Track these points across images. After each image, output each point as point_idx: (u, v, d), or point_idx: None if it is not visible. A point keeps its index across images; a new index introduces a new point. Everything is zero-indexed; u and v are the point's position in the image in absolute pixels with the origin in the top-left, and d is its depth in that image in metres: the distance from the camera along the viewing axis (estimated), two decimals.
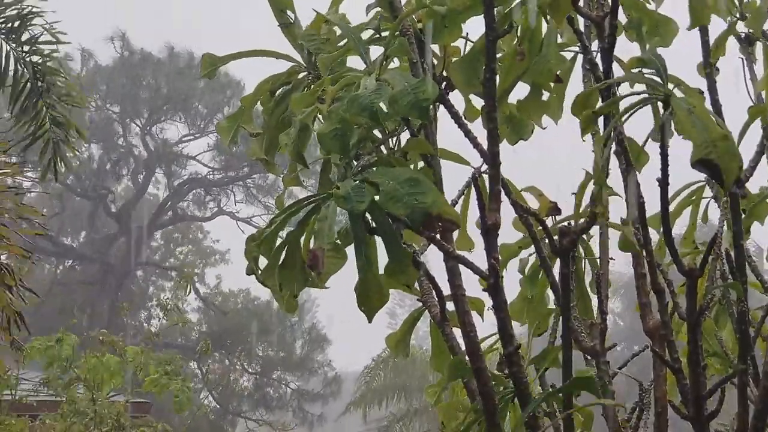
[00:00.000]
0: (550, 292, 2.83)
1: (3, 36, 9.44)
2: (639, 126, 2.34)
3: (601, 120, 2.39)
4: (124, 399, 11.77)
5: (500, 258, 2.79)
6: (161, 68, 37.70)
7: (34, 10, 9.46)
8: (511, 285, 2.91)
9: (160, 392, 11.08)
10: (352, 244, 2.15)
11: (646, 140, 2.33)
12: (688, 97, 2.10)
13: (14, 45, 9.47)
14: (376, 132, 2.38)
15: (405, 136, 2.47)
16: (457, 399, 2.87)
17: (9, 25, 9.39)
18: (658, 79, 2.14)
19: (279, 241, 2.21)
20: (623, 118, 2.21)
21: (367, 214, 2.12)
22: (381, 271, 2.19)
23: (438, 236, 2.20)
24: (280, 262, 2.19)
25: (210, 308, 39.13)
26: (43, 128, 9.44)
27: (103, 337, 11.15)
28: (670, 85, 2.13)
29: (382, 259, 2.18)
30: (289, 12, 2.74)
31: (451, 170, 2.52)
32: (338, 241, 2.13)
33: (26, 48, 9.49)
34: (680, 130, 2.05)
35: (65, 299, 35.04)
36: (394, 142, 2.46)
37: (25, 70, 9.40)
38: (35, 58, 9.50)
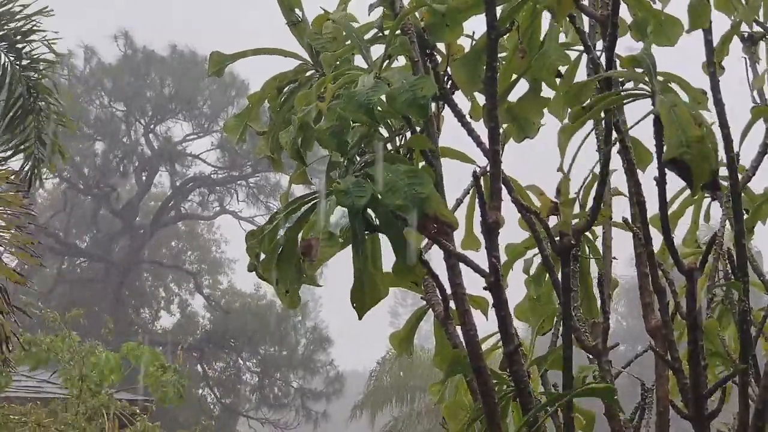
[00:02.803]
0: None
1: (4, 50, 9.49)
2: (642, 127, 2.35)
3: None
4: (123, 397, 11.79)
5: (506, 258, 2.81)
6: (165, 67, 37.71)
7: (35, 27, 9.50)
8: (519, 285, 2.93)
9: (154, 387, 11.09)
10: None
11: (626, 130, 2.35)
12: (687, 94, 2.11)
13: (13, 58, 9.51)
14: (383, 130, 2.39)
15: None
16: (460, 398, 2.87)
17: (11, 38, 9.42)
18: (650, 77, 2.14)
19: (279, 236, 2.22)
20: (612, 112, 2.22)
21: (370, 211, 2.13)
22: (386, 266, 2.20)
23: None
24: (277, 258, 2.20)
25: (214, 307, 39.14)
26: (28, 142, 9.50)
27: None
28: (673, 84, 2.13)
29: (387, 253, 2.19)
30: (297, 10, 2.74)
31: (459, 170, 2.52)
32: (341, 240, 2.14)
33: (24, 63, 9.53)
34: (665, 134, 2.05)
35: (69, 297, 35.10)
36: (399, 140, 2.47)
37: (20, 84, 9.44)
38: (31, 74, 9.55)
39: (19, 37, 9.46)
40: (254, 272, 2.28)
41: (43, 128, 9.59)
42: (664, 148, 2.01)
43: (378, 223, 2.15)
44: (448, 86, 2.56)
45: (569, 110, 2.21)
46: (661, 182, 2.21)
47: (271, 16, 2.77)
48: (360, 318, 2.19)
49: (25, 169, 9.63)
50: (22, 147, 9.57)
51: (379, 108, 2.18)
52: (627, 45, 2.46)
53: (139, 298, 38.84)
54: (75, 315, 11.04)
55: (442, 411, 2.91)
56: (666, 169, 2.04)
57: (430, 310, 2.72)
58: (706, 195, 3.12)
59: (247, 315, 37.89)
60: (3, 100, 9.56)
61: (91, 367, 10.51)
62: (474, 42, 2.49)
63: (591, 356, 2.65)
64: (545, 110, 2.58)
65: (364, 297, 2.17)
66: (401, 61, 2.56)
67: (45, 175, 10.18)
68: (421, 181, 2.06)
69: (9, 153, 9.65)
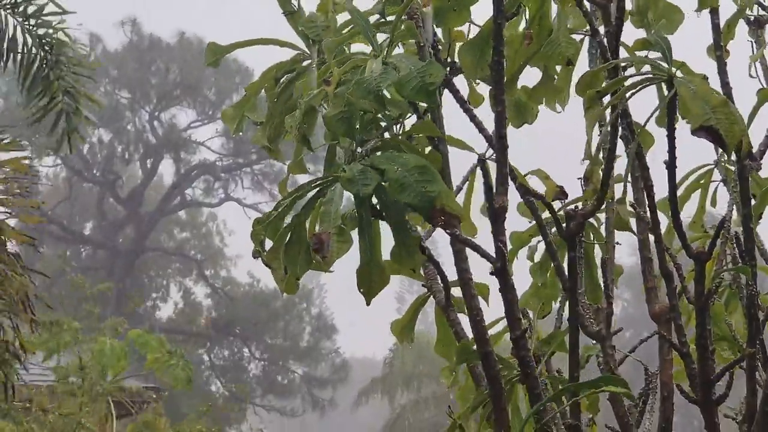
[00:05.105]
0: None
1: (9, 10, 9.37)
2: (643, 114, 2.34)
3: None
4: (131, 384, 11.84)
5: (511, 246, 2.81)
6: (171, 54, 37.69)
7: None
8: (524, 274, 2.93)
9: (160, 371, 11.13)
10: (357, 229, 2.16)
11: (646, 121, 2.34)
12: (691, 78, 2.10)
13: (21, 19, 9.40)
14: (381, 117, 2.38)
15: (409, 121, 2.47)
16: (470, 381, 2.88)
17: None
18: (663, 62, 2.14)
19: (285, 223, 2.21)
20: (627, 98, 2.22)
21: (374, 198, 2.13)
22: (385, 254, 2.19)
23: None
24: (285, 244, 2.20)
25: (219, 295, 39.18)
26: (56, 100, 9.32)
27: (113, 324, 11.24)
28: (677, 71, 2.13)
29: (387, 242, 2.19)
30: (292, 0, 2.74)
31: (453, 158, 2.52)
32: (343, 225, 2.13)
33: (32, 21, 9.40)
34: (683, 110, 2.05)
35: (74, 285, 35.20)
36: (399, 128, 2.46)
37: (33, 43, 9.32)
38: (41, 31, 9.43)
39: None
40: (260, 259, 2.27)
41: (67, 82, 9.42)
42: (690, 121, 2.01)
43: (380, 208, 2.15)
44: (449, 72, 2.56)
45: (585, 96, 2.20)
46: (671, 165, 2.20)
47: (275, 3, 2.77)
48: (368, 303, 2.20)
49: (60, 128, 9.42)
50: (51, 104, 9.38)
51: (387, 94, 2.18)
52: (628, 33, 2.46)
53: (144, 286, 38.91)
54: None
55: (456, 395, 2.92)
56: (698, 137, 2.04)
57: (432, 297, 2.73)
58: (713, 179, 3.11)
59: (252, 303, 37.90)
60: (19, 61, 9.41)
61: (95, 355, 10.53)
62: (475, 27, 2.49)
63: (595, 341, 2.65)
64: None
65: (371, 282, 2.17)
66: (400, 48, 2.56)
67: (85, 130, 9.98)
68: (431, 178, 2.05)
69: (39, 115, 9.43)
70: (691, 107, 2.02)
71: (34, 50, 9.37)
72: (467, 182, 2.75)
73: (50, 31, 9.44)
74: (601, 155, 2.36)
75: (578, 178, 2.55)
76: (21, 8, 9.35)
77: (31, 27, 9.43)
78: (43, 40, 9.39)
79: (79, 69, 9.59)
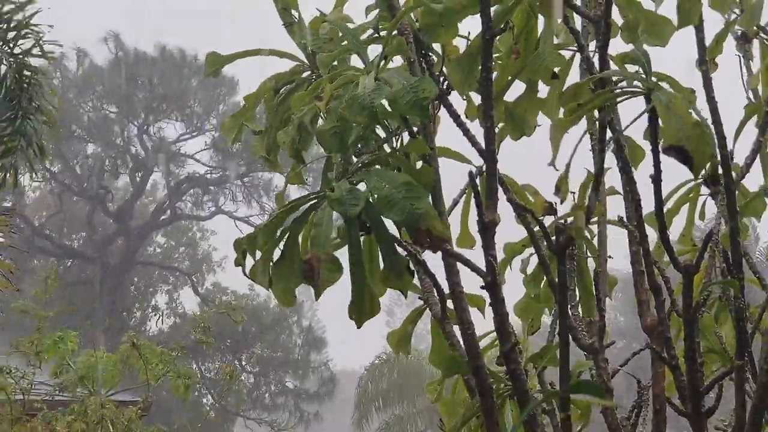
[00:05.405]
0: None
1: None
2: (637, 126, 2.36)
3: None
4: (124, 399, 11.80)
5: (504, 256, 2.82)
6: (155, 68, 37.60)
7: (32, 23, 9.34)
8: (521, 283, 2.94)
9: (156, 380, 11.10)
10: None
11: (622, 131, 2.36)
12: (676, 92, 2.13)
13: (7, 54, 9.34)
14: (380, 131, 2.39)
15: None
16: (458, 395, 2.89)
17: (4, 34, 9.27)
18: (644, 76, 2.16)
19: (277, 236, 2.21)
20: (606, 110, 2.24)
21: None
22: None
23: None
24: (276, 258, 2.20)
25: (209, 307, 38.97)
26: (13, 138, 9.21)
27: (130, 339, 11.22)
28: (663, 84, 2.15)
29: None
30: (293, 11, 2.74)
31: (456, 167, 2.53)
32: (336, 239, 2.14)
33: (17, 59, 9.33)
34: (662, 126, 2.07)
35: (64, 299, 35.08)
36: (397, 140, 2.47)
37: (12, 76, 9.24)
38: (26, 72, 9.34)
39: (14, 34, 9.29)
40: (242, 271, 2.27)
41: (29, 122, 9.31)
42: (662, 138, 2.04)
43: (369, 226, 2.16)
44: (444, 87, 2.57)
45: (566, 108, 2.22)
46: (656, 179, 2.22)
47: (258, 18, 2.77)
48: (359, 327, 2.21)
49: (5, 163, 9.31)
50: (8, 142, 9.26)
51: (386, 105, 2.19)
52: (619, 45, 2.48)
53: (135, 300, 38.77)
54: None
55: (440, 409, 2.92)
56: (667, 156, 2.06)
57: (427, 309, 2.73)
58: (701, 193, 3.13)
59: (242, 315, 37.65)
60: None
61: (83, 368, 10.50)
62: (469, 42, 2.50)
63: (588, 354, 2.66)
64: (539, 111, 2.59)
65: (362, 310, 2.20)
66: (396, 61, 2.57)
67: (24, 173, 9.91)
68: (418, 195, 2.06)
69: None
70: (665, 125, 2.04)
71: (10, 85, 9.28)
72: (464, 195, 2.76)
73: (32, 74, 9.36)
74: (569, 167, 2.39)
75: (571, 192, 2.57)
76: (11, 43, 9.30)
77: (14, 62, 9.36)
78: (23, 78, 9.30)
79: (46, 116, 9.50)
